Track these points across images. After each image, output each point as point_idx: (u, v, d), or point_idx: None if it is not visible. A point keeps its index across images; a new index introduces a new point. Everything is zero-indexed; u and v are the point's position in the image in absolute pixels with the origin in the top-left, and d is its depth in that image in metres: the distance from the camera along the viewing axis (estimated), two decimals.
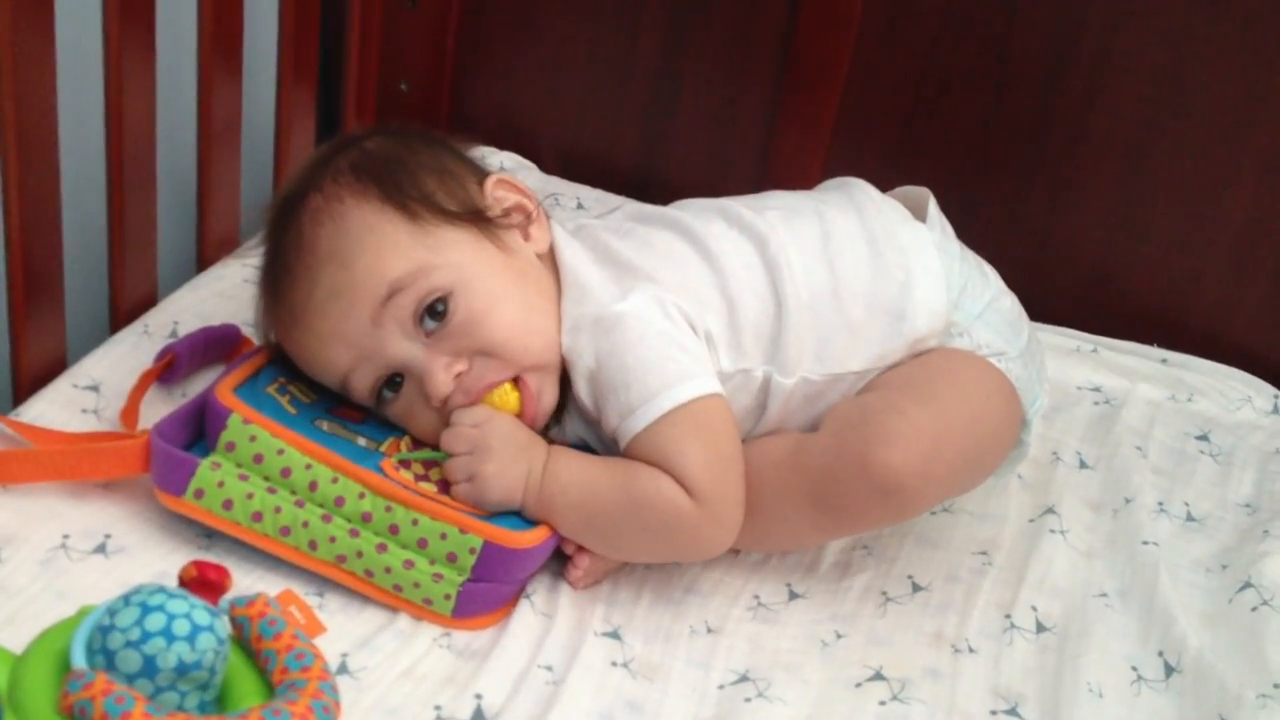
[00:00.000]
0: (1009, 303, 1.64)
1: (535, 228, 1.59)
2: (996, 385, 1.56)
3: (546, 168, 2.30)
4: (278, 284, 1.54)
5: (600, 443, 1.56)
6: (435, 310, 1.48)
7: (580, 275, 1.55)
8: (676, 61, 2.23)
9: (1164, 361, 2.02)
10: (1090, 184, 2.10)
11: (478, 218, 1.54)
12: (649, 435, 1.46)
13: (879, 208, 1.62)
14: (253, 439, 1.48)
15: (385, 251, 1.48)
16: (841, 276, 1.55)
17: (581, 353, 1.51)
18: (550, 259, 1.58)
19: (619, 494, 1.46)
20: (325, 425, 1.54)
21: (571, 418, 1.57)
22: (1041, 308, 1.76)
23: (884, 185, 1.69)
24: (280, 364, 1.60)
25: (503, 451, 1.47)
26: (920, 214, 1.64)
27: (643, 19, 2.22)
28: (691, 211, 1.63)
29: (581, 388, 1.51)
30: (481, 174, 1.60)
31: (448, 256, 1.49)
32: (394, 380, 1.52)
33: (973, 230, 1.69)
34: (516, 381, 1.51)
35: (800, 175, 2.08)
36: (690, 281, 1.54)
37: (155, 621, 1.09)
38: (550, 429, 1.57)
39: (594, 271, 1.56)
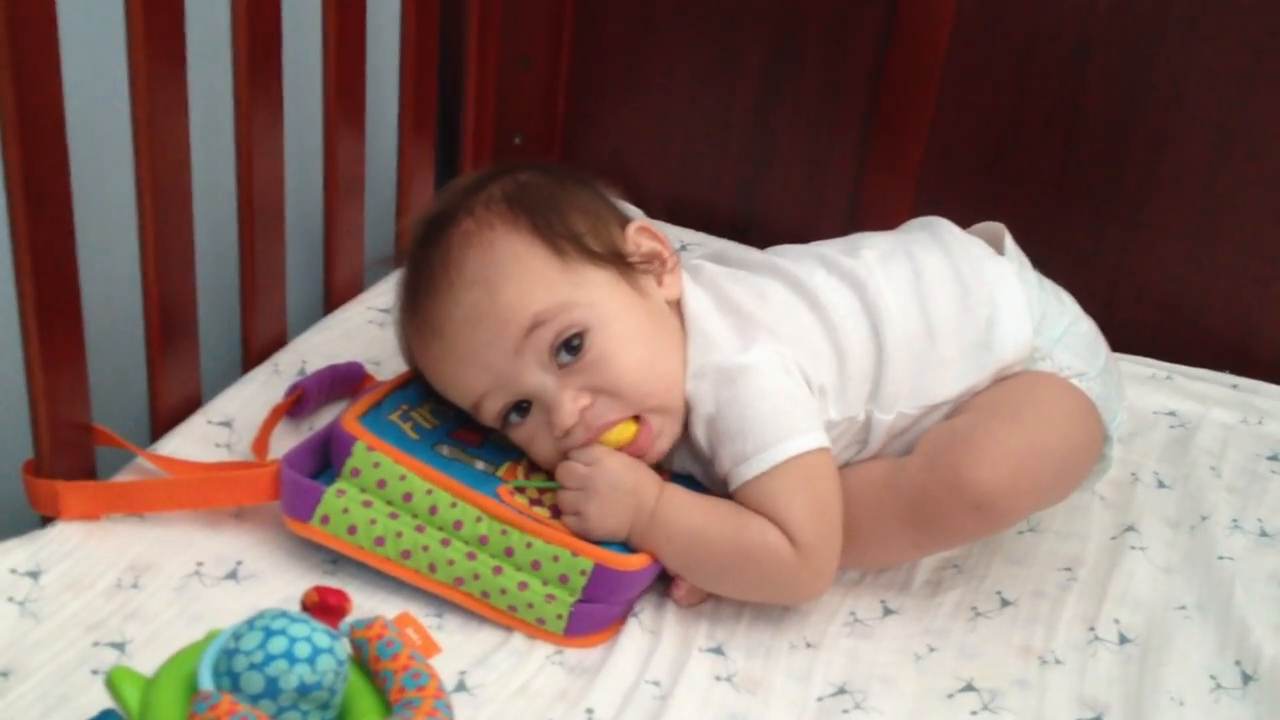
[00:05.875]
0: (1086, 326, 1.61)
1: (669, 276, 1.55)
2: (1077, 404, 1.52)
3: (652, 213, 2.26)
4: (418, 299, 1.51)
5: (707, 478, 1.53)
6: (571, 345, 1.44)
7: (705, 324, 1.52)
8: (771, 113, 2.21)
9: (1235, 387, 1.96)
10: (1162, 222, 2.05)
11: (619, 261, 1.51)
12: (759, 483, 1.44)
13: (964, 245, 1.59)
14: (376, 465, 1.45)
15: (531, 284, 1.45)
16: (933, 314, 1.53)
17: (703, 398, 1.48)
18: (678, 306, 1.55)
19: (726, 541, 1.43)
20: (445, 450, 1.51)
21: (681, 453, 1.54)
22: (1118, 338, 1.71)
23: (968, 226, 1.66)
24: (403, 392, 1.58)
25: (609, 495, 1.44)
26: (998, 247, 1.61)
27: (739, 75, 2.21)
28: (792, 259, 1.60)
29: (699, 430, 1.48)
30: (624, 219, 1.57)
31: (588, 295, 1.46)
32: (522, 406, 1.48)
33: (1052, 266, 1.66)
34: (637, 419, 1.48)
35: (889, 217, 2.03)
36: (805, 335, 1.51)
37: (278, 644, 1.06)
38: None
39: (717, 321, 1.53)
